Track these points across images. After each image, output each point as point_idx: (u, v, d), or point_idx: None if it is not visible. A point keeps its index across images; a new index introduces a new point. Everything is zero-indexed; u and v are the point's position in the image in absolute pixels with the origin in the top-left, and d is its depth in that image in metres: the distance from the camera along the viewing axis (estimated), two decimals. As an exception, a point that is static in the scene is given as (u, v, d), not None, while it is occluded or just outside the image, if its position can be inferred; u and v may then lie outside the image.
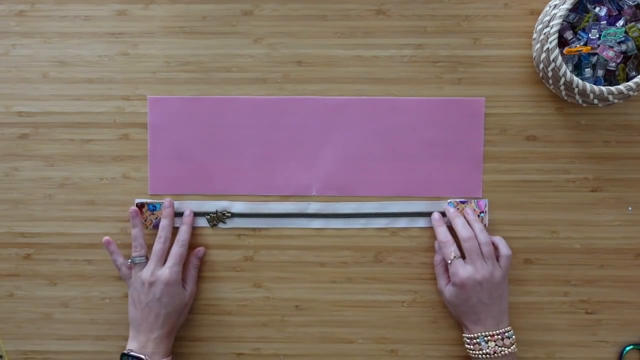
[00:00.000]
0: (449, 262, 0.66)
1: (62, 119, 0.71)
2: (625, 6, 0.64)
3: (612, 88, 0.61)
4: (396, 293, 0.71)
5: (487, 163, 0.70)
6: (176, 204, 0.70)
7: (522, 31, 0.69)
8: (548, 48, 0.62)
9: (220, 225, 0.70)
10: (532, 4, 0.69)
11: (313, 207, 0.70)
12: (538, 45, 0.65)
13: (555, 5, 0.63)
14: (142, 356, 0.64)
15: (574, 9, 0.64)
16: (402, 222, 0.70)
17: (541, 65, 0.66)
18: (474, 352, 0.65)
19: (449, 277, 0.67)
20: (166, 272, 0.66)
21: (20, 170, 0.71)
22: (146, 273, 0.66)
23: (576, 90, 0.63)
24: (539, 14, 0.68)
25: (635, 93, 0.62)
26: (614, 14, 0.64)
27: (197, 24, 0.70)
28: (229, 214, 0.70)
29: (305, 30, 0.70)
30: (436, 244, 0.69)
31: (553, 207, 0.70)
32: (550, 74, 0.65)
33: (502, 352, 0.63)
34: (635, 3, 0.63)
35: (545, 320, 0.70)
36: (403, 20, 0.69)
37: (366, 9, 0.69)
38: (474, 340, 0.64)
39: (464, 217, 0.68)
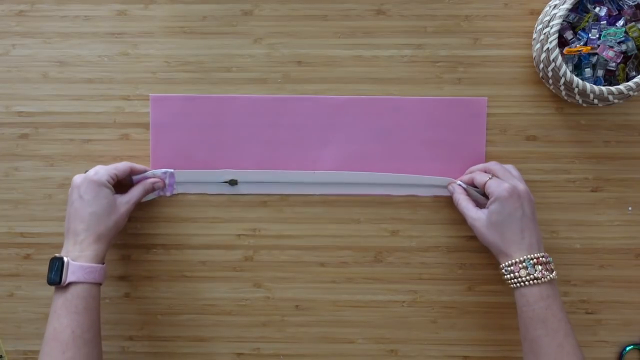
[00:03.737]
0: (484, 183, 0.63)
1: (62, 119, 0.71)
2: (625, 6, 0.64)
3: (612, 88, 0.61)
4: (396, 293, 0.71)
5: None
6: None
7: (522, 31, 0.69)
8: (548, 48, 0.62)
9: (234, 188, 0.70)
10: (532, 4, 0.69)
11: (321, 176, 0.70)
12: (538, 45, 0.65)
13: (555, 5, 0.63)
14: (65, 258, 0.61)
15: (574, 9, 0.64)
16: (420, 191, 0.69)
17: (541, 65, 0.66)
18: (520, 279, 0.60)
19: (477, 205, 0.65)
20: (92, 171, 0.64)
21: (20, 170, 0.71)
22: (79, 176, 0.64)
23: (576, 90, 0.63)
24: (539, 14, 0.68)
25: (635, 93, 0.62)
26: (614, 14, 0.64)
27: (197, 24, 0.70)
28: (235, 182, 0.70)
29: (305, 30, 0.70)
30: (449, 187, 0.68)
31: (553, 207, 0.70)
32: (550, 74, 0.65)
33: (547, 278, 0.59)
34: (635, 3, 0.63)
35: (545, 320, 0.71)
36: (403, 20, 0.69)
37: (366, 9, 0.69)
38: (521, 265, 0.59)
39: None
